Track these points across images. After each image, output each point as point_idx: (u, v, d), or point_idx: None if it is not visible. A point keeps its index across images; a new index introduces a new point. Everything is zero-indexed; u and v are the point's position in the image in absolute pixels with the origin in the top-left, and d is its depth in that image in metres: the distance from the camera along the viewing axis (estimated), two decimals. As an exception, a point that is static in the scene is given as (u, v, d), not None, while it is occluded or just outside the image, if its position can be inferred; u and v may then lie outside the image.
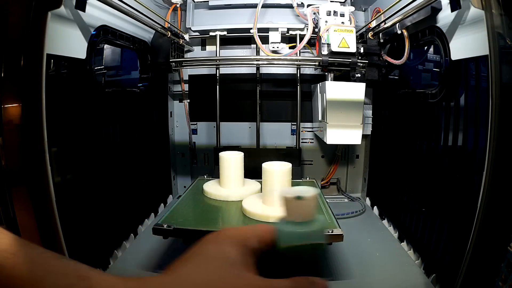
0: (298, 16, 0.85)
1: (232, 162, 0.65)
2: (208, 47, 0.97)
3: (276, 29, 0.86)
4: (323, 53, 0.73)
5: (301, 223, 0.33)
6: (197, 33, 0.92)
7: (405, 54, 0.67)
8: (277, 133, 0.98)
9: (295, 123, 0.93)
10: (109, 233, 0.62)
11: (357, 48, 0.73)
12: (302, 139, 0.96)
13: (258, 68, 0.92)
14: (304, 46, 0.79)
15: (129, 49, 0.77)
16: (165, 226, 0.52)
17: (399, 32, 0.67)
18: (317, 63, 0.77)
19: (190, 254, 0.23)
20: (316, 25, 0.77)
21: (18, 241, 0.21)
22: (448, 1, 0.52)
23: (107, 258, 0.60)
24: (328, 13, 0.73)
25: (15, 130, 0.41)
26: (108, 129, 0.65)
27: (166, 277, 0.22)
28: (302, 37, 0.81)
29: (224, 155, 0.66)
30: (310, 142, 0.99)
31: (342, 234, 0.50)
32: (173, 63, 0.82)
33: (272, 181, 0.56)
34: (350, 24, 0.73)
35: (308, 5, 0.81)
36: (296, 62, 0.85)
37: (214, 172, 0.82)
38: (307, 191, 0.31)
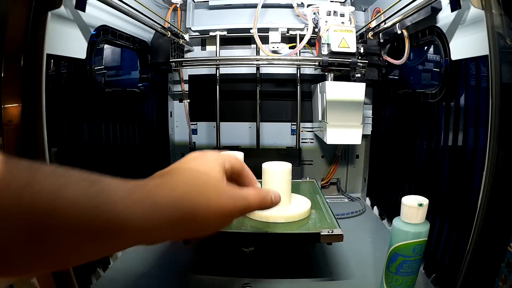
0: (298, 16, 0.85)
1: (232, 162, 0.65)
2: (208, 47, 0.97)
3: (276, 29, 0.86)
4: (323, 53, 0.73)
5: (417, 225, 0.44)
6: (197, 33, 0.92)
7: (405, 54, 0.67)
8: (277, 133, 0.98)
9: (295, 123, 0.93)
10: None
11: (357, 48, 0.73)
12: (302, 139, 0.96)
13: (258, 68, 0.92)
14: (304, 46, 0.79)
15: (129, 49, 0.77)
16: (165, 226, 0.52)
17: (399, 32, 0.67)
18: (317, 63, 0.77)
19: (183, 167, 0.30)
20: (316, 25, 0.77)
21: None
22: (448, 1, 0.52)
23: (107, 258, 0.60)
24: (328, 13, 0.73)
25: (15, 130, 0.41)
26: (108, 129, 0.65)
27: (162, 180, 0.28)
28: (302, 37, 0.81)
29: (224, 155, 0.66)
30: (310, 142, 0.99)
31: (342, 234, 0.50)
32: (173, 63, 0.82)
33: (272, 181, 0.55)
34: (350, 24, 0.73)
35: (308, 5, 0.81)
36: (296, 62, 0.85)
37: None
38: (424, 199, 0.44)
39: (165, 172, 0.29)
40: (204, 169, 0.30)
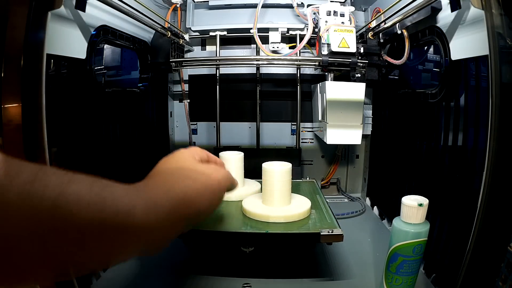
0: (298, 16, 0.86)
1: (232, 162, 0.65)
2: (208, 47, 0.97)
3: (276, 29, 0.86)
4: (323, 53, 0.73)
5: (417, 225, 0.43)
6: (197, 33, 0.92)
7: (405, 54, 0.67)
8: (277, 133, 0.98)
9: (295, 123, 0.93)
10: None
11: (357, 48, 0.73)
12: (302, 139, 0.96)
13: (258, 68, 0.92)
14: (304, 46, 0.79)
15: (129, 49, 0.77)
16: (165, 226, 0.52)
17: (399, 32, 0.67)
18: (317, 63, 0.77)
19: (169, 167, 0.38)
20: (316, 25, 0.77)
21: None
22: (448, 1, 0.52)
23: (107, 258, 0.60)
24: (328, 13, 0.73)
25: (16, 130, 0.41)
26: (108, 129, 0.65)
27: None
28: (302, 37, 0.81)
29: (224, 155, 0.66)
30: (310, 142, 0.99)
31: (342, 234, 0.50)
32: (173, 63, 0.82)
33: (272, 181, 0.56)
34: (350, 24, 0.73)
35: (308, 5, 0.81)
36: (296, 62, 0.85)
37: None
38: (424, 199, 0.44)
39: (152, 175, 0.35)
40: (181, 163, 0.37)
